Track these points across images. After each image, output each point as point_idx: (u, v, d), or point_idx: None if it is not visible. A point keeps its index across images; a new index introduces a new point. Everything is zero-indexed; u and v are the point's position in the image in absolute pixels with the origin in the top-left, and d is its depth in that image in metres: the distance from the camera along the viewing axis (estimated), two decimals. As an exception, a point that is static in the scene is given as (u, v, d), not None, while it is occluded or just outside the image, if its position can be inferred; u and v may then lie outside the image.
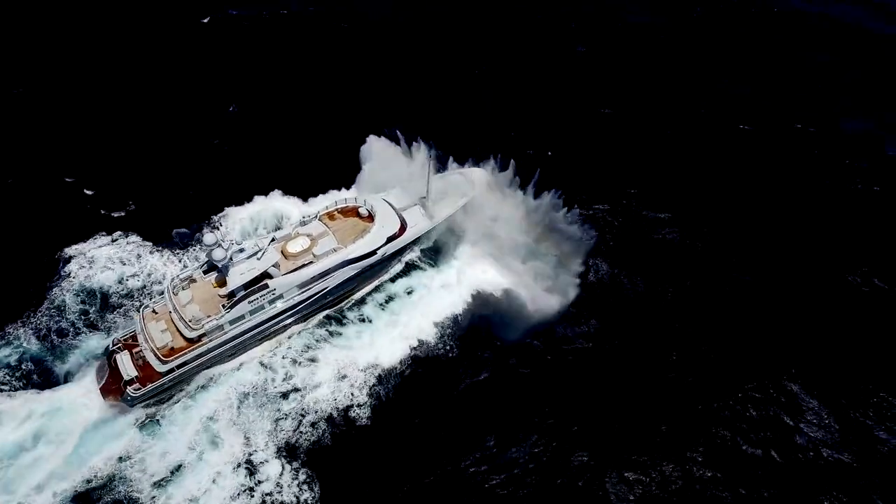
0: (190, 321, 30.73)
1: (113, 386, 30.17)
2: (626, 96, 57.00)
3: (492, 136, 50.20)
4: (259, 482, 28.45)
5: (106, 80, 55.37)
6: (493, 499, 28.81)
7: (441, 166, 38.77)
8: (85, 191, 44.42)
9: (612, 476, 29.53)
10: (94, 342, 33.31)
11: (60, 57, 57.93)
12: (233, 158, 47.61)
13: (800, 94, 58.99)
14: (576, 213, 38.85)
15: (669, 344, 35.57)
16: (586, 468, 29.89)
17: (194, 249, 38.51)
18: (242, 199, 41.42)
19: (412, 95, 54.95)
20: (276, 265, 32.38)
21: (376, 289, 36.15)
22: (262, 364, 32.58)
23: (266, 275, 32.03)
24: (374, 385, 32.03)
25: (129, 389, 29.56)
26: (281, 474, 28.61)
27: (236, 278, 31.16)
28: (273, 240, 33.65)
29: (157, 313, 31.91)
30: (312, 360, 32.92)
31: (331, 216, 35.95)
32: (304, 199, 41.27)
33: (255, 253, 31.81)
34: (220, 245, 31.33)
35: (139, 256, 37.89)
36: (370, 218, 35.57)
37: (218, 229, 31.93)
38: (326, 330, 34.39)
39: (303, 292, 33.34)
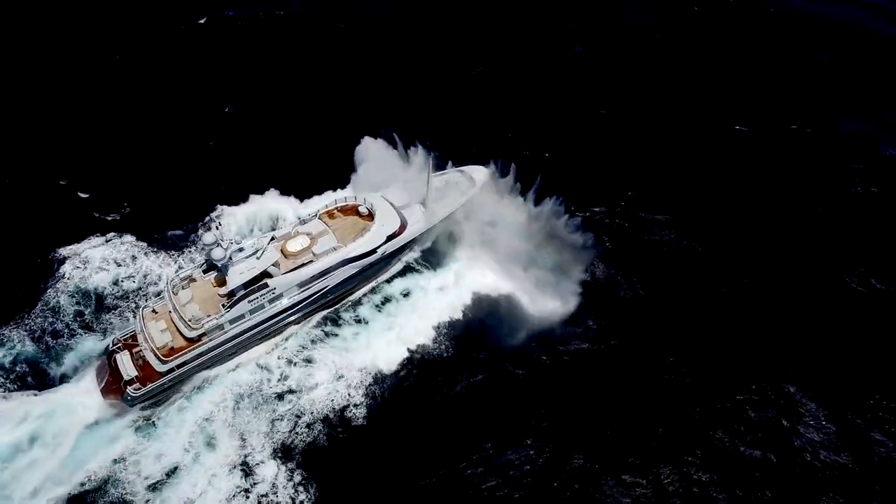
0: (190, 321, 30.85)
1: (113, 386, 30.24)
2: (622, 97, 57.67)
3: (490, 137, 50.66)
4: (255, 483, 28.54)
5: (102, 80, 55.56)
6: (490, 501, 28.95)
7: (441, 164, 39.05)
8: (79, 193, 44.45)
9: (609, 479, 29.72)
10: (90, 343, 33.35)
11: (57, 57, 58.09)
12: (228, 159, 47.82)
13: (796, 95, 59.83)
14: (577, 221, 38.99)
15: (667, 346, 35.77)
16: (583, 471, 30.06)
17: (189, 251, 38.68)
18: (238, 199, 41.66)
19: (409, 96, 55.40)
20: (275, 264, 32.58)
21: (372, 290, 36.39)
22: (257, 365, 32.74)
23: (266, 274, 32.21)
24: (370, 386, 32.21)
25: (130, 389, 29.63)
26: (276, 476, 28.71)
27: (236, 277, 31.32)
28: (273, 239, 33.85)
29: (156, 313, 32.02)
30: (308, 360, 33.09)
31: (330, 215, 36.18)
32: (301, 199, 41.55)
33: (255, 252, 31.98)
34: (219, 244, 31.45)
35: (134, 258, 37.98)
36: (370, 216, 35.81)
37: (217, 228, 31.81)
38: (322, 331, 34.58)
39: (303, 291, 33.53)
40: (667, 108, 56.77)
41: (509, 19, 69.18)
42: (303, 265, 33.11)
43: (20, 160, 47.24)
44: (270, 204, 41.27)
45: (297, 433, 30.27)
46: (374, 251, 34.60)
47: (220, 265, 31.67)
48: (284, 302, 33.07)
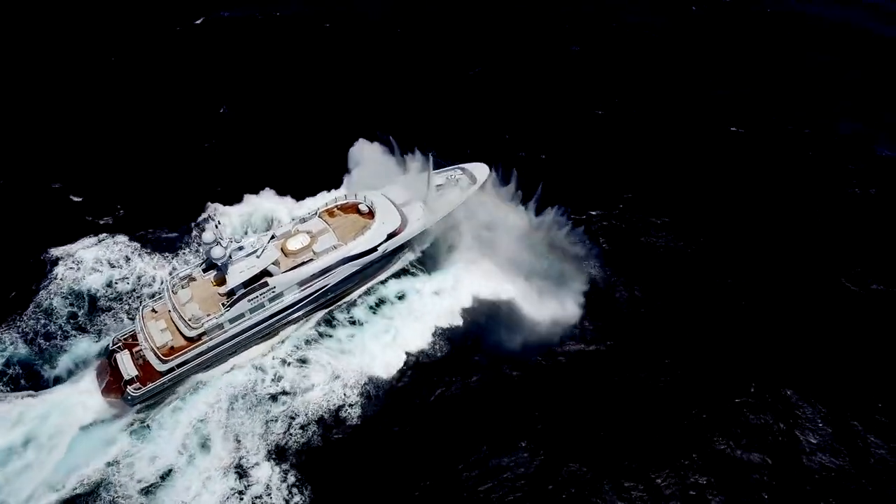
0: (189, 320, 31.03)
1: (113, 385, 30.37)
2: (619, 97, 58.47)
3: (488, 138, 51.08)
4: (249, 485, 28.66)
5: (98, 81, 55.80)
6: (485, 503, 29.04)
7: (442, 161, 39.37)
8: (72, 197, 44.46)
9: (605, 482, 29.91)
10: (84, 345, 33.43)
11: (52, 58, 58.33)
12: (223, 160, 48.09)
13: (794, 95, 60.68)
14: (579, 232, 39.26)
15: (664, 350, 35.94)
16: (580, 474, 30.24)
17: (184, 253, 38.89)
18: (233, 199, 41.95)
19: (405, 97, 55.92)
20: (275, 263, 32.83)
21: (367, 292, 36.69)
22: (252, 366, 32.92)
23: (266, 273, 32.44)
24: (365, 388, 32.42)
25: (130, 389, 29.78)
26: (271, 477, 28.84)
27: (236, 276, 31.53)
28: (273, 237, 34.08)
29: (156, 312, 32.15)
30: (302, 361, 33.30)
31: (331, 213, 36.49)
32: (297, 199, 41.84)
33: (255, 251, 32.21)
34: (218, 243, 31.64)
35: (128, 259, 38.14)
36: (370, 214, 36.11)
37: (217, 227, 31.96)
38: (316, 331, 34.83)
39: (303, 290, 33.75)
40: (663, 108, 57.60)
41: (507, 19, 69.90)
42: (303, 264, 33.36)
43: (12, 162, 47.25)
44: (265, 204, 41.56)
45: (291, 434, 30.45)
46: (374, 249, 34.90)
47: (219, 264, 31.88)
48: (285, 301, 33.24)
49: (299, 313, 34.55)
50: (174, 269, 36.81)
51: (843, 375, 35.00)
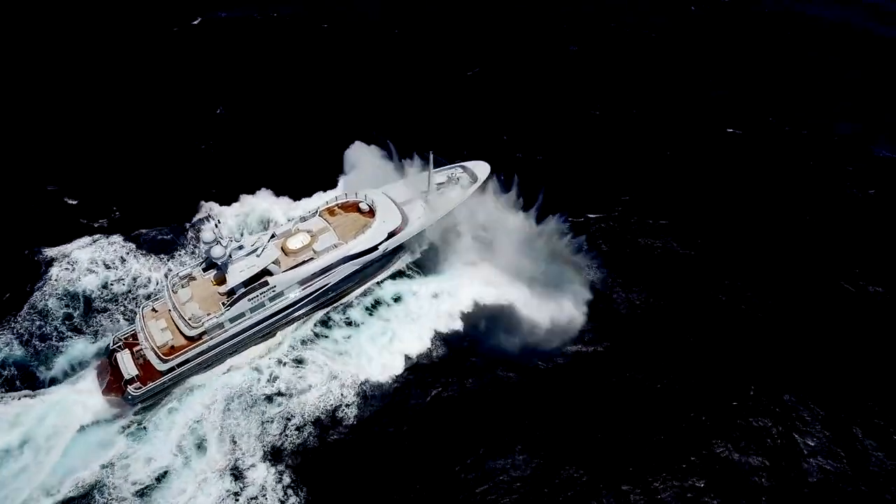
0: (190, 319, 31.22)
1: (114, 385, 30.53)
2: (617, 97, 59.02)
3: (486, 140, 51.37)
4: (245, 487, 28.82)
5: (96, 80, 55.99)
6: None
7: (443, 159, 39.70)
8: (68, 199, 44.57)
9: (602, 486, 30.10)
10: (80, 346, 33.59)
11: (51, 57, 58.56)
12: (219, 160, 48.33)
13: (792, 96, 61.27)
14: (581, 241, 39.46)
15: (663, 355, 36.18)
16: (576, 478, 30.40)
17: (179, 254, 39.06)
18: (228, 199, 42.21)
19: (403, 98, 56.31)
20: (276, 262, 33.09)
21: (363, 293, 36.92)
22: (248, 367, 33.09)
23: (266, 272, 32.69)
24: (360, 390, 32.63)
25: (130, 388, 29.98)
26: (266, 478, 29.03)
27: (236, 276, 31.77)
28: (273, 236, 34.34)
29: (156, 311, 32.32)
30: (299, 362, 33.50)
31: (331, 211, 36.77)
32: (294, 199, 42.16)
33: (255, 250, 32.47)
34: (218, 242, 31.87)
35: (123, 260, 38.31)
36: (371, 213, 36.40)
37: (216, 226, 32.10)
38: (313, 332, 35.05)
39: (303, 289, 33.97)
40: (662, 108, 58.18)
41: (506, 19, 70.40)
42: (303, 263, 33.62)
43: (7, 162, 47.31)
44: (261, 204, 41.85)
45: (287, 436, 30.66)
46: (375, 248, 35.18)
47: (219, 263, 32.13)
48: (285, 300, 33.46)
49: (300, 312, 34.75)
50: (169, 270, 37.04)
51: (842, 378, 35.32)
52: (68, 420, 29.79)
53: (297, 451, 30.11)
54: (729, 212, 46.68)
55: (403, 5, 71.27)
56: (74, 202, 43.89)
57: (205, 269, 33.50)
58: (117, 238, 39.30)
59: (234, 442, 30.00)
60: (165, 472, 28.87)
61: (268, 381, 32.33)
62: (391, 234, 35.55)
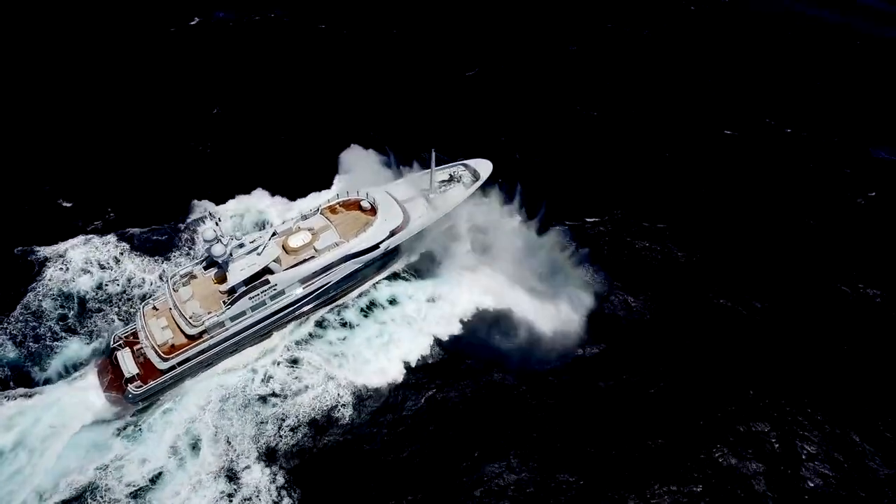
0: (190, 318, 31.42)
1: (115, 383, 30.68)
2: (615, 98, 59.82)
3: (484, 141, 51.91)
4: (239, 488, 29.04)
5: (93, 80, 56.29)
6: None
7: (445, 157, 40.13)
8: (62, 196, 44.76)
9: (599, 491, 30.33)
10: (75, 346, 33.75)
11: (48, 57, 58.86)
12: (216, 160, 48.68)
13: (790, 97, 62.09)
14: (584, 254, 39.84)
15: (662, 359, 36.58)
16: (572, 481, 30.66)
17: (175, 255, 39.28)
18: (224, 200, 42.52)
19: (401, 99, 56.89)
20: (276, 260, 33.35)
21: (358, 295, 37.17)
22: (243, 367, 33.31)
23: (267, 270, 32.97)
24: (355, 392, 32.89)
25: (131, 387, 30.14)
26: (261, 479, 29.25)
27: (236, 274, 32.03)
28: (274, 234, 34.57)
29: (157, 310, 32.45)
30: (293, 363, 33.74)
31: (332, 209, 37.09)
32: (290, 199, 42.56)
33: (256, 248, 32.74)
34: (219, 240, 32.15)
35: (117, 260, 38.50)
36: (372, 211, 36.77)
37: (217, 225, 32.32)
38: (308, 333, 35.29)
39: (305, 288, 34.21)
40: (660, 109, 58.90)
41: (505, 19, 71.06)
42: (304, 261, 33.92)
43: (2, 163, 47.25)
44: (257, 204, 42.21)
45: (281, 437, 30.90)
46: (376, 246, 35.52)
47: (220, 261, 32.35)
48: (286, 298, 33.71)
49: (301, 311, 34.96)
50: (164, 271, 37.33)
51: (841, 382, 35.77)
52: (67, 420, 29.91)
53: (292, 452, 30.37)
54: (727, 215, 47.25)
55: (402, 5, 71.92)
56: (69, 202, 44.10)
57: (205, 268, 33.73)
58: (112, 238, 39.55)
59: (229, 443, 30.23)
60: (160, 474, 29.06)
61: (262, 381, 32.57)
62: (393, 233, 35.85)
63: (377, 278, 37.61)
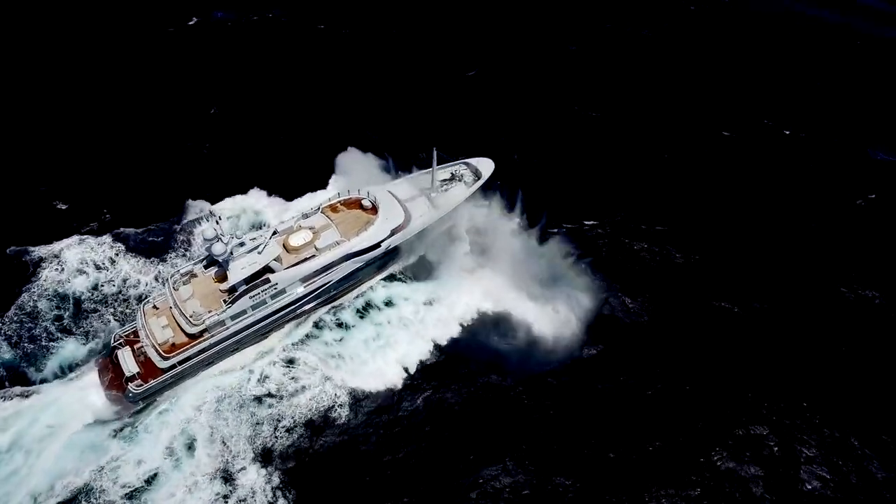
0: (191, 317, 31.58)
1: (115, 382, 30.80)
2: (616, 98, 60.43)
3: (482, 142, 52.19)
4: (234, 489, 29.23)
5: (91, 81, 56.59)
6: None
7: (447, 156, 40.58)
8: (58, 197, 44.89)
9: (596, 497, 30.47)
10: (71, 347, 33.92)
11: (44, 56, 59.16)
12: (212, 160, 49.00)
13: (789, 98, 62.69)
14: (583, 256, 40.09)
15: (661, 362, 36.77)
16: (569, 488, 30.79)
17: (170, 256, 39.49)
18: (221, 200, 42.73)
19: (399, 99, 57.36)
20: (277, 259, 33.58)
21: (355, 295, 37.29)
22: (240, 368, 33.48)
23: (268, 269, 33.22)
24: (351, 393, 33.13)
25: (131, 386, 30.28)
26: (256, 481, 29.43)
27: (237, 273, 32.26)
28: (275, 233, 34.80)
29: (157, 309, 32.58)
30: (289, 363, 33.94)
31: (333, 208, 37.38)
32: (287, 200, 42.90)
33: (257, 247, 32.96)
34: (220, 239, 32.37)
35: (113, 261, 38.65)
36: (374, 210, 37.08)
37: (217, 223, 32.53)
38: (305, 333, 35.49)
39: (306, 287, 34.39)
40: (659, 109, 59.43)
41: (504, 18, 71.58)
42: (305, 260, 34.17)
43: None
44: (254, 204, 42.50)
45: (277, 437, 31.12)
46: (377, 245, 35.81)
47: (221, 260, 32.54)
48: (287, 297, 33.94)
49: (301, 310, 35.14)
50: (160, 272, 37.55)
51: (840, 384, 36.09)
52: (65, 420, 30.03)
53: (288, 453, 30.58)
54: (726, 217, 47.62)
55: (400, 5, 72.41)
56: (64, 202, 44.32)
57: (206, 266, 33.96)
58: (107, 238, 39.79)
59: (225, 444, 30.43)
60: (155, 475, 29.23)
61: (258, 382, 32.76)
62: (394, 232, 36.12)
63: (378, 278, 37.88)
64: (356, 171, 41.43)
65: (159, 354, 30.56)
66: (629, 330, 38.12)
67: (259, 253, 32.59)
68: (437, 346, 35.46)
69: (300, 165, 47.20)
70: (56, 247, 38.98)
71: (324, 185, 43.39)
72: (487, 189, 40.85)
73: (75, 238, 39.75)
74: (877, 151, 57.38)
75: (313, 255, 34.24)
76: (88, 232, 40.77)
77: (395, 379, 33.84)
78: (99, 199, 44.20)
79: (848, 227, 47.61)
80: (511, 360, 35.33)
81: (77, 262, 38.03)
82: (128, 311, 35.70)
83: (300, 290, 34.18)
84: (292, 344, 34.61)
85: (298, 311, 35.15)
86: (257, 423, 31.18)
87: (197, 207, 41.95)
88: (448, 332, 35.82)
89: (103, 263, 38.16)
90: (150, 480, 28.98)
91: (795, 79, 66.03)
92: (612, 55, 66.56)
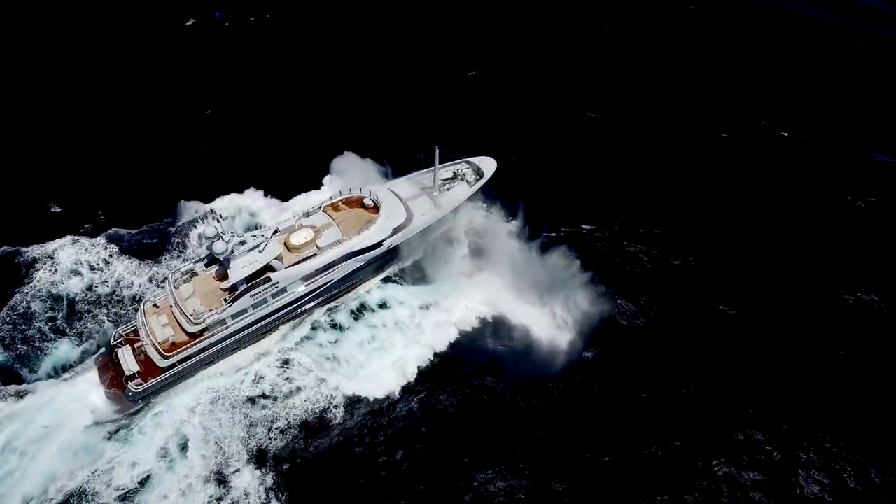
0: (191, 315, 31.75)
1: (115, 381, 30.99)
2: (615, 98, 61.01)
3: (482, 142, 52.41)
4: (228, 491, 29.41)
5: (89, 80, 56.90)
6: None
7: (449, 155, 40.84)
8: (53, 197, 45.02)
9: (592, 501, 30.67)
10: (65, 347, 34.05)
11: (41, 56, 59.47)
12: (209, 160, 49.25)
13: (789, 100, 63.57)
14: (582, 259, 40.17)
15: (660, 367, 36.94)
16: (564, 494, 30.86)
17: (166, 257, 39.73)
18: (218, 200, 42.85)
19: (398, 100, 57.82)
20: (278, 258, 33.90)
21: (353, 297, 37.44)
22: (235, 369, 33.69)
23: (268, 268, 33.53)
24: (346, 395, 33.30)
25: (131, 385, 30.44)
26: (250, 483, 29.62)
27: (238, 271, 32.54)
28: (276, 231, 35.16)
29: (158, 307, 32.68)
30: (284, 363, 34.14)
31: (335, 207, 37.75)
32: (283, 200, 43.16)
33: (258, 245, 33.24)
34: (220, 238, 32.62)
35: (107, 262, 38.87)
36: (375, 208, 37.46)
37: (218, 222, 32.67)
38: (300, 335, 35.65)
39: (307, 286, 34.61)
40: (659, 109, 59.98)
41: (504, 18, 72.38)
42: (306, 259, 34.45)
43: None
44: (250, 204, 42.76)
45: (271, 439, 31.34)
46: (379, 244, 36.13)
47: (221, 259, 32.82)
48: (288, 296, 34.14)
49: (302, 309, 35.36)
50: (154, 273, 37.78)
51: (839, 388, 36.35)
52: (64, 420, 30.13)
53: (282, 455, 30.76)
54: (725, 219, 47.91)
55: (399, 5, 73.05)
56: (58, 202, 44.48)
57: (207, 265, 34.24)
58: (101, 240, 40.02)
59: (218, 445, 30.60)
60: (148, 477, 29.34)
61: (253, 383, 32.96)
62: (395, 231, 36.42)
63: (377, 278, 38.18)
64: (353, 174, 41.65)
65: (159, 353, 30.76)
66: (627, 333, 38.44)
67: (260, 251, 32.89)
68: (432, 349, 35.69)
69: (298, 167, 47.44)
70: (50, 247, 39.20)
71: (317, 186, 43.60)
72: (489, 200, 41.21)
73: (69, 239, 39.93)
74: (878, 153, 58.09)
75: (314, 254, 34.55)
76: (82, 233, 40.98)
77: (391, 381, 34.08)
78: (93, 199, 44.42)
79: (847, 229, 48.10)
80: (507, 363, 35.61)
81: (71, 262, 38.29)
82: (122, 312, 35.91)
83: (301, 289, 34.44)
84: (288, 347, 34.67)
85: (299, 311, 35.36)
86: (251, 425, 31.41)
87: (192, 209, 42.12)
88: (444, 334, 36.10)
89: (97, 264, 38.39)
90: (144, 482, 29.13)
91: (795, 79, 66.81)
92: (611, 55, 67.32)
